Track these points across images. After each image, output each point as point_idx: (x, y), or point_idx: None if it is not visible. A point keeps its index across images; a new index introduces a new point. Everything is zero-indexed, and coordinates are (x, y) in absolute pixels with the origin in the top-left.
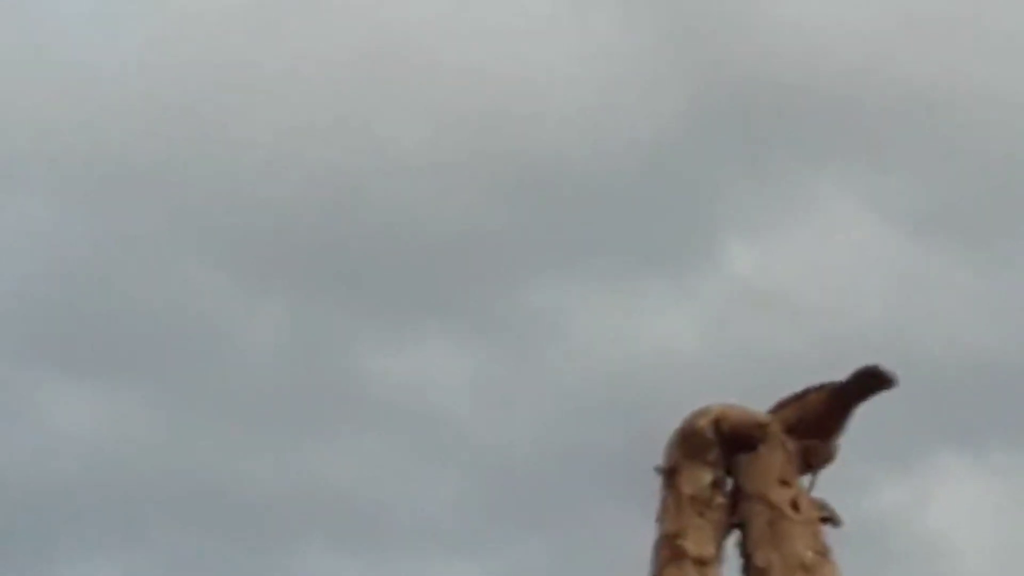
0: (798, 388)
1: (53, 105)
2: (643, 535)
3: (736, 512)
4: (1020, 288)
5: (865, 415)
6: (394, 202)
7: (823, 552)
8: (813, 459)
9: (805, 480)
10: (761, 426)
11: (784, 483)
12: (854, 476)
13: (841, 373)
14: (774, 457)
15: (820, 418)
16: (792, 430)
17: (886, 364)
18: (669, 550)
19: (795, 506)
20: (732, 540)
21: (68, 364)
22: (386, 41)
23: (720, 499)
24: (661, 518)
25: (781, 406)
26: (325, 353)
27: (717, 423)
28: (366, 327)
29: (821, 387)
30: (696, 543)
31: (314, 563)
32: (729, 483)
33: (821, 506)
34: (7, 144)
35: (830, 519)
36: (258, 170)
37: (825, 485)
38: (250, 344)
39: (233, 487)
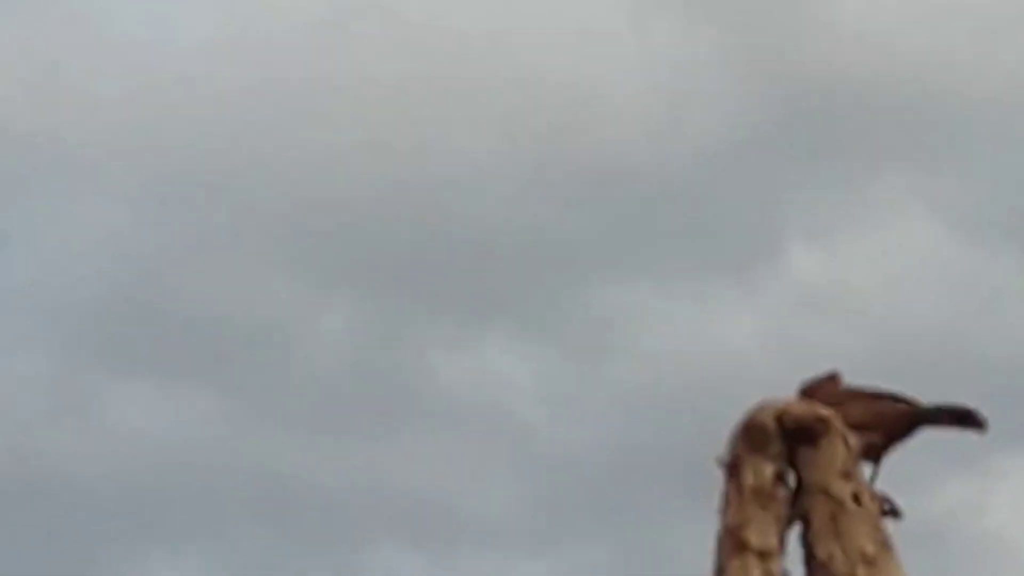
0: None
1: (125, 106)
2: (707, 533)
3: (798, 505)
4: None
5: None
6: (462, 207)
7: (885, 545)
8: (875, 452)
9: (867, 473)
10: (823, 420)
11: (846, 476)
12: (916, 474)
13: (901, 377)
14: (836, 450)
15: (890, 427)
16: (856, 427)
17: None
18: (732, 542)
19: (857, 499)
20: (794, 533)
21: (137, 365)
22: (455, 50)
23: (782, 492)
24: (723, 511)
25: (851, 396)
26: (392, 353)
27: (779, 417)
28: (432, 327)
29: (899, 398)
30: (758, 535)
31: (382, 560)
32: (791, 476)
33: (883, 499)
34: (76, 147)
35: (892, 512)
36: (325, 174)
37: (887, 482)
38: (317, 343)
39: (301, 486)
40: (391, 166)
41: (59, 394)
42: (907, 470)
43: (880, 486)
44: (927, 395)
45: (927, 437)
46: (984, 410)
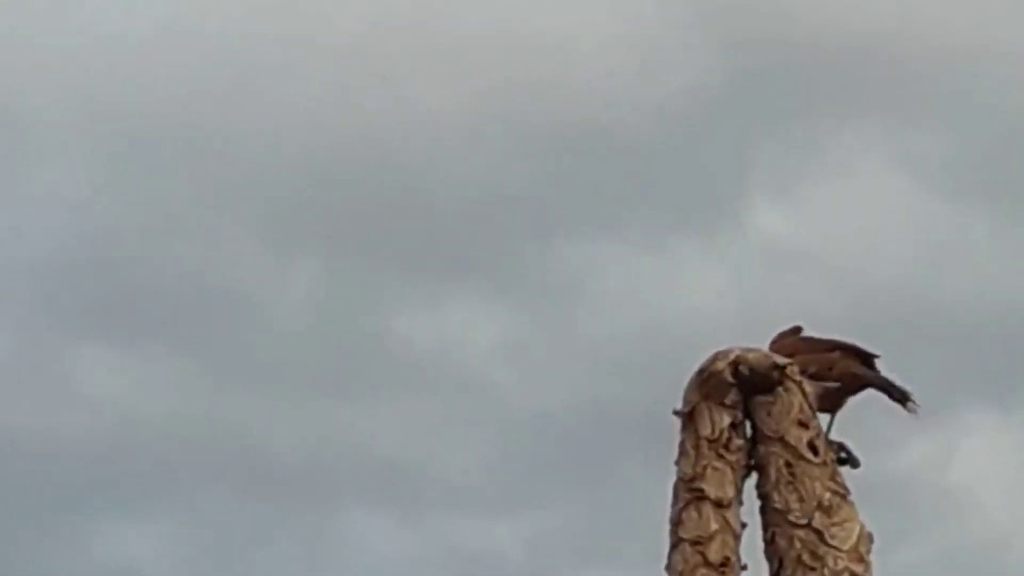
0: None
1: (83, 71)
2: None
3: (754, 454)
4: None
5: (892, 371)
6: (425, 163)
7: (841, 493)
8: (831, 402)
9: (823, 421)
10: (779, 368)
11: (802, 425)
12: (880, 430)
13: (868, 331)
14: (792, 399)
15: (841, 380)
16: (809, 376)
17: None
18: (688, 492)
19: (813, 448)
20: (750, 482)
21: (101, 329)
22: (418, 4)
23: (738, 441)
24: (679, 461)
25: (803, 344)
26: (357, 314)
27: (735, 365)
28: (398, 288)
29: (855, 349)
30: (714, 485)
31: (350, 524)
32: (748, 425)
33: (839, 447)
34: (38, 111)
35: (848, 460)
36: (290, 134)
37: (854, 437)
38: (282, 306)
39: (268, 449)
40: (358, 126)
41: (21, 358)
42: (873, 426)
43: (846, 440)
44: (895, 350)
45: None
46: (950, 364)
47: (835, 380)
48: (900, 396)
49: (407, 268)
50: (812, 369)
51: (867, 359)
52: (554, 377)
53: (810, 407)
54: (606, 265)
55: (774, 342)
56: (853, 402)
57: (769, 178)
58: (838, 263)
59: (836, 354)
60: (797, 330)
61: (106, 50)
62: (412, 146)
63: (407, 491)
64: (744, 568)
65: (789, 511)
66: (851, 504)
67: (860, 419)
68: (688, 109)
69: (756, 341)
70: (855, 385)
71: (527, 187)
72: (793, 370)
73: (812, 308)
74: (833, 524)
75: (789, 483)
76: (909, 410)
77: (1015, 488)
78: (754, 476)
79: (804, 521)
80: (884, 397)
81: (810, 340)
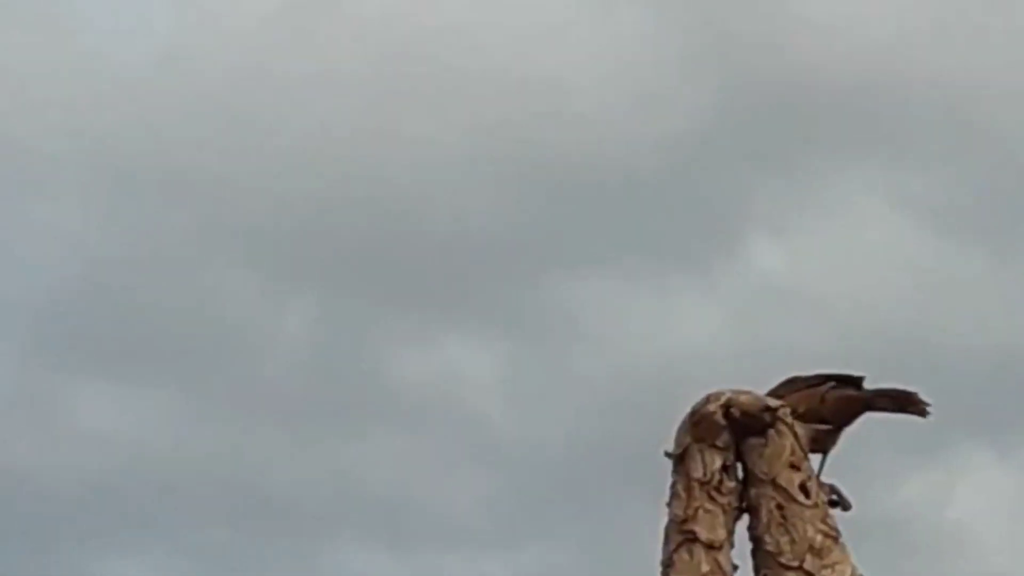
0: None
1: (80, 105)
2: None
3: (746, 496)
4: None
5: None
6: (422, 202)
7: (833, 536)
8: (822, 443)
9: (815, 464)
10: (771, 410)
11: (793, 467)
12: (879, 468)
13: (865, 368)
14: (784, 441)
15: (835, 413)
16: (801, 417)
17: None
18: (680, 534)
19: (805, 490)
20: (742, 524)
21: (100, 364)
22: (415, 44)
23: (730, 483)
24: (671, 503)
25: (792, 388)
26: (354, 350)
27: (727, 407)
28: (394, 325)
29: (841, 382)
30: (706, 527)
31: (344, 559)
32: (739, 468)
33: (831, 489)
34: (37, 148)
35: (839, 503)
36: (287, 171)
37: (849, 475)
38: (280, 342)
39: (264, 484)
40: (354, 163)
41: (19, 393)
42: (871, 463)
43: (844, 477)
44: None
45: (890, 431)
46: (948, 402)
47: (829, 410)
48: (903, 400)
49: (402, 304)
50: (803, 407)
51: (856, 383)
52: (548, 413)
53: (802, 449)
54: (601, 302)
55: (770, 392)
56: (850, 438)
57: (766, 216)
58: (834, 301)
59: (825, 386)
60: (791, 380)
61: (104, 85)
62: (407, 184)
63: (401, 525)
64: None
65: (781, 553)
66: (843, 546)
67: (857, 456)
68: (684, 146)
69: (751, 380)
70: (852, 411)
71: (522, 224)
72: (785, 412)
73: (807, 346)
74: (824, 567)
75: (780, 525)
76: (919, 411)
77: (1012, 527)
78: (746, 518)
79: (796, 563)
80: (886, 416)
81: (796, 379)
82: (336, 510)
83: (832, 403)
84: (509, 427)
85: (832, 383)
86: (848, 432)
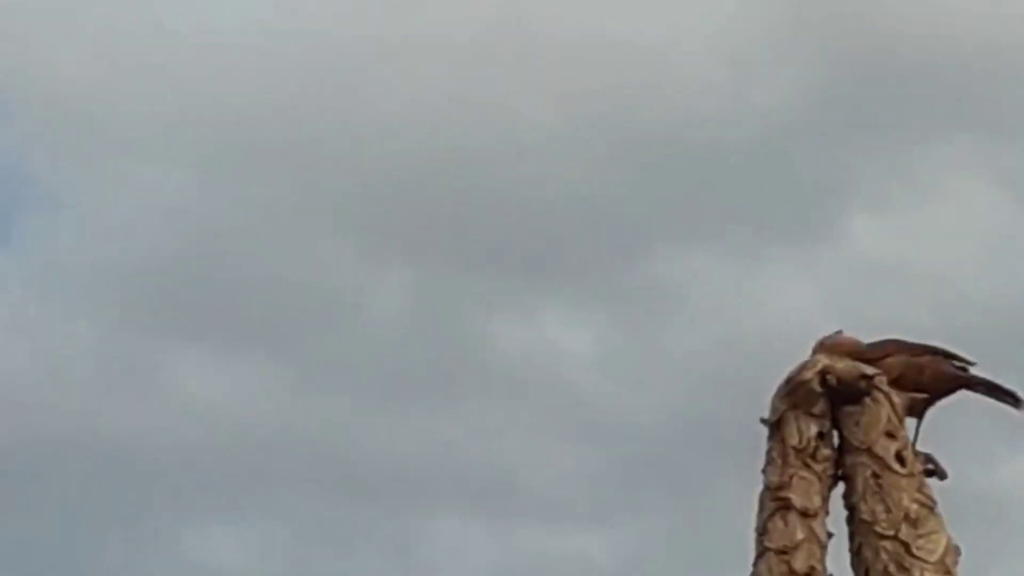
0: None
1: (183, 73)
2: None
3: (841, 464)
4: None
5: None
6: (521, 173)
7: (928, 505)
8: (918, 411)
9: (910, 431)
10: (867, 378)
11: (890, 435)
12: (977, 449)
13: (963, 345)
14: (880, 410)
15: (932, 384)
16: (896, 382)
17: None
18: (774, 501)
19: (900, 459)
20: (837, 492)
21: (197, 332)
22: (512, 14)
23: (826, 451)
24: (766, 469)
25: (895, 348)
26: (451, 322)
27: (823, 375)
28: (492, 295)
29: (947, 354)
30: (801, 495)
31: (442, 530)
32: (835, 436)
33: (926, 459)
34: (138, 112)
35: (935, 472)
36: (386, 141)
37: (948, 456)
38: (376, 311)
39: (362, 454)
40: (452, 132)
41: (117, 360)
42: (969, 445)
43: (943, 455)
44: (990, 364)
45: (988, 411)
46: None
47: (928, 381)
48: (1008, 395)
49: (501, 276)
50: (901, 373)
51: (963, 365)
52: (646, 388)
53: (898, 418)
54: (701, 276)
55: (871, 346)
56: (949, 413)
57: (867, 192)
58: (933, 278)
59: (929, 357)
60: (894, 341)
61: (207, 52)
62: (507, 153)
63: (496, 499)
64: None
65: (876, 522)
66: (938, 516)
67: (956, 434)
68: (785, 120)
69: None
70: (949, 387)
71: (622, 196)
72: (881, 380)
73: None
74: (920, 536)
75: (876, 494)
76: (1015, 403)
77: None
78: (841, 486)
79: (891, 532)
80: (983, 399)
81: (904, 343)
82: (432, 482)
83: (932, 374)
84: (607, 402)
85: (936, 355)
86: (945, 406)
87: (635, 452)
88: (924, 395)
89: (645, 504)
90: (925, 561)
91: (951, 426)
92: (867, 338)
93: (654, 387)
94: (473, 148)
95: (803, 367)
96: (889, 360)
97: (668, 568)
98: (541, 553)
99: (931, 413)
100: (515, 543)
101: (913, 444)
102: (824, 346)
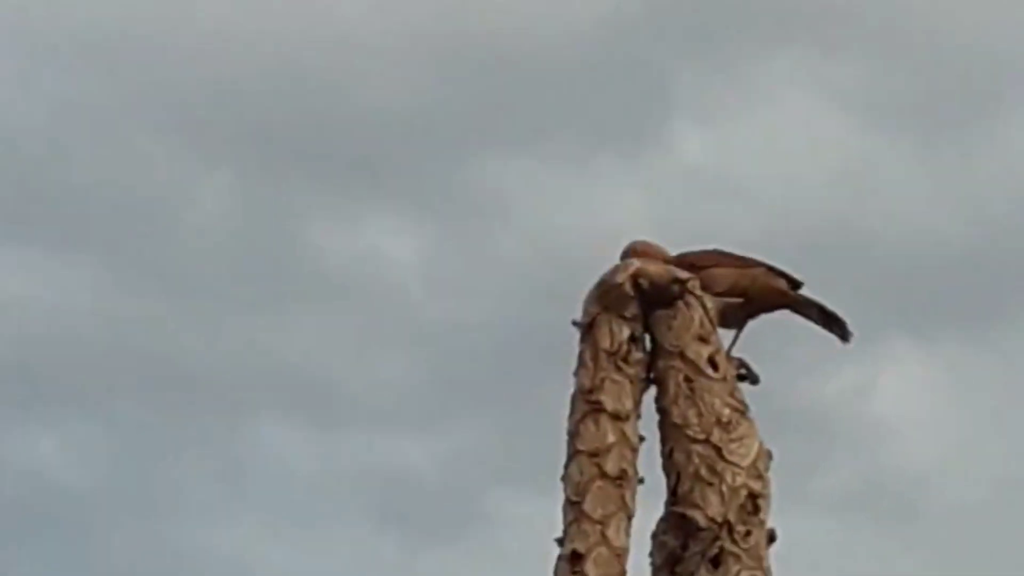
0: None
1: None
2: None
3: (654, 368)
4: (974, 178)
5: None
6: (342, 77)
7: (741, 410)
8: (733, 319)
9: (725, 338)
10: (680, 282)
11: (702, 340)
12: (802, 360)
13: (789, 259)
14: (692, 314)
15: (759, 298)
16: (724, 293)
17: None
18: (586, 404)
19: (713, 363)
20: (649, 396)
21: (12, 231)
22: None
23: (638, 354)
24: (578, 372)
25: (720, 260)
26: (276, 228)
27: (636, 278)
28: (314, 201)
29: (775, 270)
30: (613, 398)
31: (263, 437)
32: (647, 339)
33: (739, 363)
34: None
35: (748, 377)
36: (207, 42)
37: (773, 367)
38: (197, 215)
39: (182, 360)
40: (275, 38)
41: None
42: (794, 356)
43: (767, 367)
44: (816, 279)
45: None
46: (874, 295)
47: (756, 294)
48: (837, 324)
49: (324, 182)
50: (730, 284)
51: (794, 284)
52: (470, 295)
53: (711, 322)
54: (526, 184)
55: (695, 254)
56: (779, 325)
57: (692, 102)
58: (759, 191)
59: (760, 269)
60: (717, 251)
61: None
62: (330, 60)
63: (320, 405)
64: (641, 481)
65: (687, 426)
66: (750, 421)
67: (781, 346)
68: (613, 30)
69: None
70: (777, 303)
71: (447, 103)
72: (694, 284)
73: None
74: (732, 440)
75: (688, 398)
76: (841, 335)
77: (937, 421)
78: (653, 390)
79: (702, 436)
80: (804, 322)
81: (728, 253)
82: (254, 388)
83: (761, 287)
84: (431, 309)
85: (766, 269)
86: (772, 319)
87: (459, 360)
88: (741, 302)
89: (468, 411)
90: (737, 465)
91: (781, 337)
92: (692, 248)
93: (479, 294)
94: (296, 54)
95: (615, 270)
96: (719, 270)
97: (493, 474)
98: (363, 459)
99: (754, 324)
100: (336, 448)
101: (728, 351)
102: (636, 251)
